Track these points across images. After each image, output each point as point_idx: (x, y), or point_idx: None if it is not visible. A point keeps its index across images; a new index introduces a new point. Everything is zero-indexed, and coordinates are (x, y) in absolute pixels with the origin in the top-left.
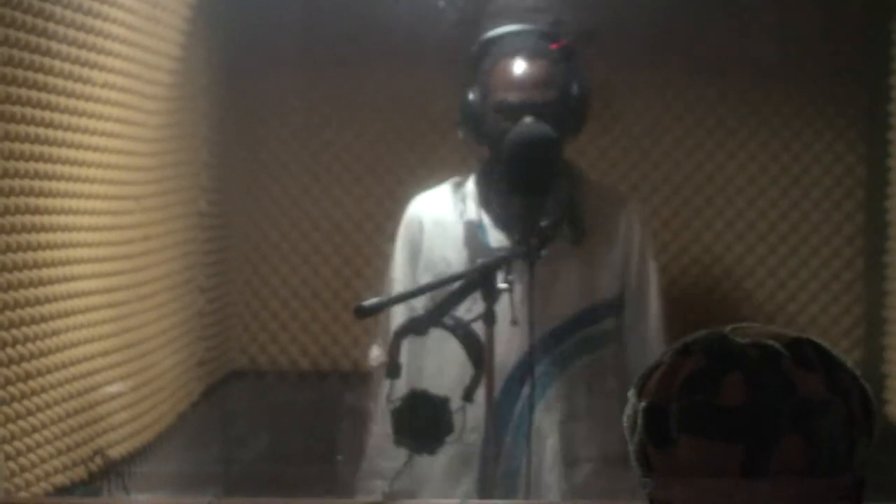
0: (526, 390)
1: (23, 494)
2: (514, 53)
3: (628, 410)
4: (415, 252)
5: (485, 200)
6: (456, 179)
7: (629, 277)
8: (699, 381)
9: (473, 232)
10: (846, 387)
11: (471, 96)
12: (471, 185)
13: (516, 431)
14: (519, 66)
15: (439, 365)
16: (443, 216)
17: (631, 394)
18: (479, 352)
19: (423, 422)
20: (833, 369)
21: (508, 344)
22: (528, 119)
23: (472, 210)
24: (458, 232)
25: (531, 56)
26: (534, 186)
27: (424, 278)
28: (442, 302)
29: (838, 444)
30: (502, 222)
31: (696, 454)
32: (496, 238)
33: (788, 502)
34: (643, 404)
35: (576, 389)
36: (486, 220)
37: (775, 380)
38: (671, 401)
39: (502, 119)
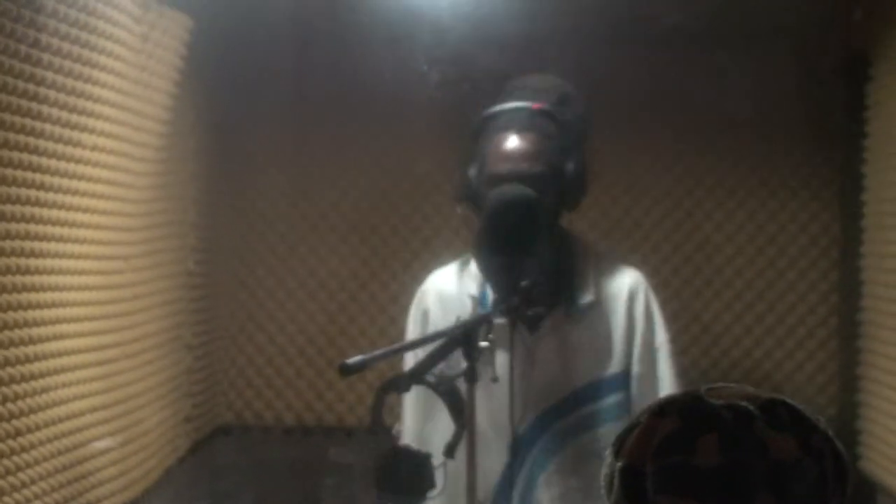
0: (518, 458)
1: None
2: (506, 128)
3: (605, 469)
4: (424, 324)
5: (484, 272)
6: (466, 257)
7: (635, 354)
8: (675, 442)
9: (475, 306)
10: (819, 447)
11: (470, 171)
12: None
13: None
14: (510, 140)
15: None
16: (448, 291)
17: (608, 452)
18: (460, 409)
19: (405, 477)
20: (806, 430)
21: (500, 405)
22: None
23: (474, 285)
24: (462, 305)
25: (521, 129)
26: (512, 245)
27: None
28: (424, 360)
29: (808, 502)
30: (487, 277)
31: None
32: None
33: None
34: (620, 465)
35: (579, 464)
36: (489, 292)
37: (748, 441)
38: (646, 462)
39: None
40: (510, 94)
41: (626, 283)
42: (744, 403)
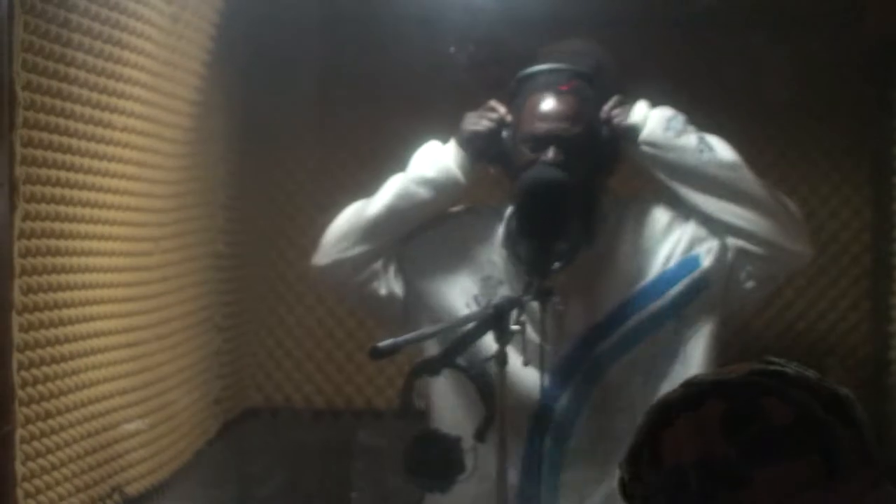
0: (549, 436)
1: None
2: (543, 89)
3: (645, 479)
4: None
5: (516, 255)
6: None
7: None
8: (740, 417)
9: (510, 245)
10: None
11: (503, 132)
12: (508, 208)
13: (539, 479)
14: (546, 100)
15: (457, 404)
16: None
17: (636, 465)
18: (491, 393)
19: (434, 461)
20: (817, 377)
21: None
22: (548, 156)
23: (512, 225)
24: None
25: (559, 91)
26: (545, 230)
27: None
28: (455, 343)
29: (871, 431)
30: (521, 258)
31: (777, 481)
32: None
33: (864, 495)
34: (688, 461)
35: (620, 392)
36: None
37: (801, 391)
38: (719, 447)
39: (528, 151)
40: (546, 57)
41: (657, 219)
42: (761, 367)
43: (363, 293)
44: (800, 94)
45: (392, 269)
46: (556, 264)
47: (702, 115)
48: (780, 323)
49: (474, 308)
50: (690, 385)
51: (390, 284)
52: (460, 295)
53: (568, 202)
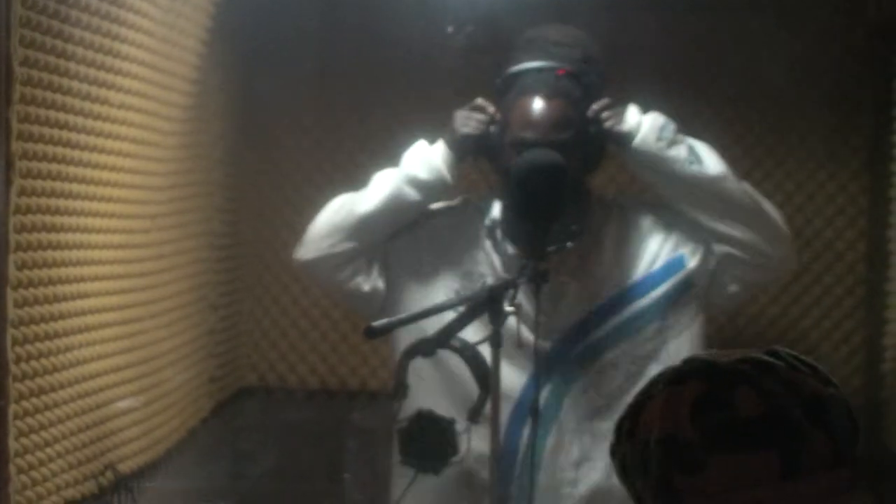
0: (528, 427)
1: None
2: (532, 91)
3: (624, 449)
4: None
5: (511, 237)
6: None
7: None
8: (710, 402)
9: (493, 238)
10: (832, 380)
11: (491, 129)
12: (493, 202)
13: (525, 460)
14: (535, 105)
15: (448, 385)
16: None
17: (619, 432)
18: (485, 374)
19: (428, 442)
20: (814, 368)
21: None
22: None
23: (494, 218)
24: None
25: (548, 95)
26: (541, 212)
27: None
28: (449, 324)
29: (849, 433)
30: (514, 241)
31: (731, 471)
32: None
33: (825, 499)
34: (655, 436)
35: (604, 381)
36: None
37: (780, 385)
38: (684, 427)
39: (516, 154)
40: (530, 47)
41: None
42: (753, 356)
43: (346, 289)
44: (799, 79)
45: (377, 267)
46: (552, 247)
47: (698, 99)
48: (774, 308)
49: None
50: (685, 362)
51: (374, 281)
52: (442, 292)
53: (564, 184)
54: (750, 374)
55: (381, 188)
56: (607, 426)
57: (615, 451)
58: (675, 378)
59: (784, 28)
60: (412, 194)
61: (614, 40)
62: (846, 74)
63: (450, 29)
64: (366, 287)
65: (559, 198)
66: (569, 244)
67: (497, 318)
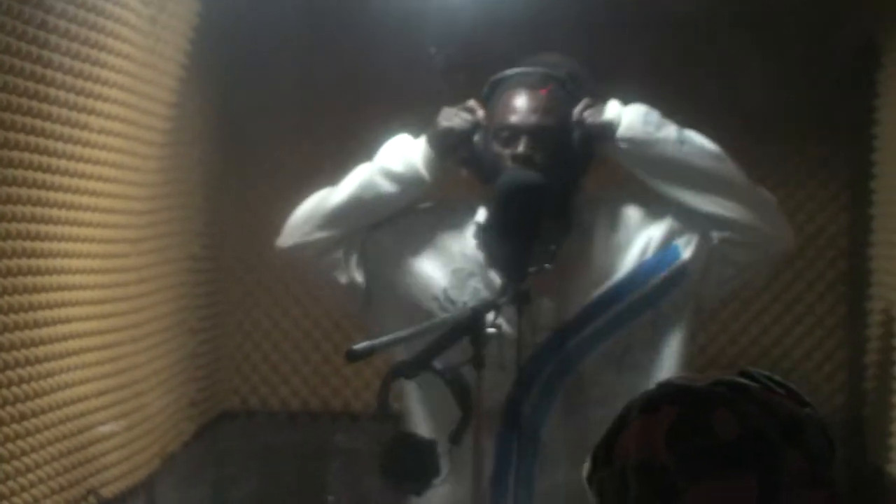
0: (520, 434)
1: None
2: (517, 86)
3: (601, 476)
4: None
5: (493, 257)
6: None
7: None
8: (686, 426)
9: (480, 237)
10: (807, 401)
11: (476, 135)
12: (480, 204)
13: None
14: (520, 95)
15: (431, 407)
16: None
17: (595, 460)
18: (467, 396)
19: (410, 464)
20: (788, 388)
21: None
22: (518, 149)
23: (482, 217)
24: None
25: (532, 86)
26: (521, 233)
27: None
28: (431, 346)
29: (826, 452)
30: (496, 261)
31: (710, 495)
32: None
33: None
34: (631, 463)
35: (590, 387)
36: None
37: (756, 407)
38: (660, 454)
39: (500, 145)
40: (518, 64)
41: (632, 216)
42: (728, 379)
43: (324, 280)
44: (778, 100)
45: (354, 259)
46: (532, 268)
47: (681, 117)
48: (756, 327)
49: (442, 301)
50: (658, 387)
51: (351, 273)
52: (427, 287)
53: (544, 206)
54: (726, 397)
55: (355, 179)
56: (606, 418)
57: (591, 479)
58: (649, 404)
59: (765, 48)
60: (385, 185)
61: (595, 59)
62: (827, 94)
63: (432, 49)
64: (343, 279)
65: (538, 221)
66: (547, 266)
67: (479, 339)
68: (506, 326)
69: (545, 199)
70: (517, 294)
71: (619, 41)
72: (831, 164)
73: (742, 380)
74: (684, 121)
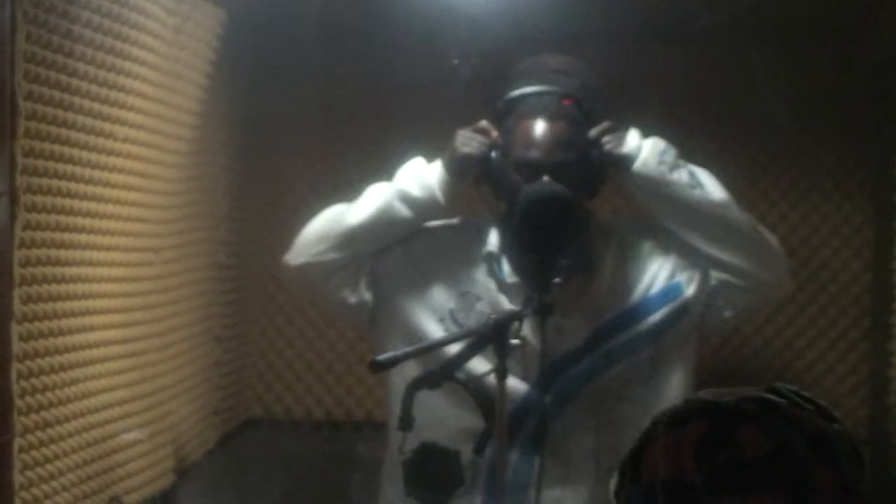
0: (515, 453)
1: None
2: (535, 114)
3: (628, 493)
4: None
5: (516, 268)
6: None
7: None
8: (713, 443)
9: (490, 263)
10: (835, 416)
11: (493, 153)
12: (492, 226)
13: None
14: (539, 127)
15: (453, 417)
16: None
17: (622, 475)
18: (490, 406)
19: (433, 473)
20: (817, 404)
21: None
22: (544, 178)
23: (493, 244)
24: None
25: (552, 117)
26: (547, 245)
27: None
28: (454, 357)
29: (854, 468)
30: (518, 273)
31: None
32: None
33: None
34: (660, 479)
35: (607, 400)
36: (504, 257)
37: (784, 423)
38: (689, 470)
39: (520, 177)
40: (530, 73)
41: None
42: (756, 394)
43: (332, 299)
44: (801, 112)
45: (364, 280)
46: (557, 279)
47: (702, 132)
48: (778, 341)
49: (448, 323)
50: (686, 403)
51: (360, 294)
52: (434, 310)
53: (569, 217)
54: (753, 413)
55: (372, 201)
56: (593, 447)
57: (619, 494)
58: (676, 419)
59: (788, 61)
60: (402, 210)
61: (616, 72)
62: (851, 106)
63: (455, 62)
64: (352, 300)
65: (566, 231)
66: (573, 275)
67: (502, 350)
68: (530, 338)
69: (569, 210)
70: (541, 306)
71: (640, 52)
72: (856, 176)
73: (770, 395)
74: (704, 134)
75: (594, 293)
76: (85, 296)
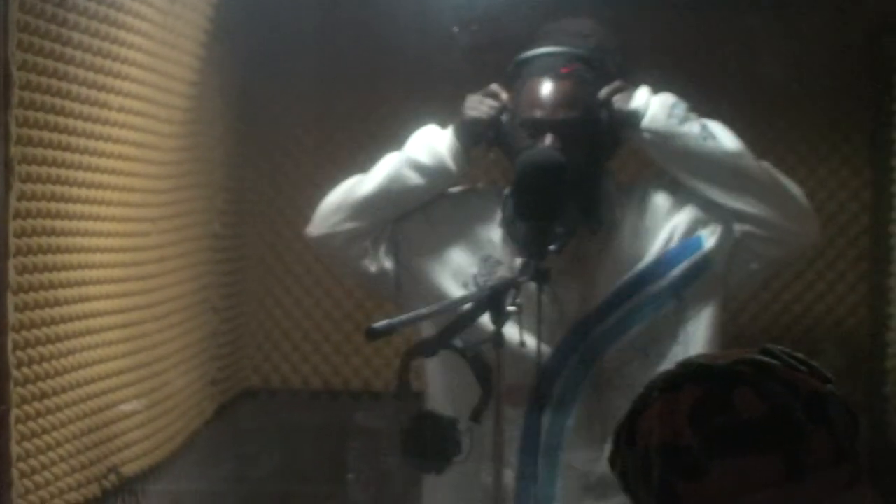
0: (547, 416)
1: None
2: (542, 73)
3: (623, 457)
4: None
5: (513, 235)
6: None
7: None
8: (709, 406)
9: (508, 228)
10: (829, 377)
11: (503, 117)
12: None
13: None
14: (545, 85)
15: (451, 385)
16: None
17: (617, 441)
18: (487, 375)
19: (430, 442)
20: (810, 366)
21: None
22: (546, 141)
23: (510, 208)
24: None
25: (557, 77)
26: (541, 211)
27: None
28: (451, 324)
29: (849, 428)
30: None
31: (734, 475)
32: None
33: (829, 496)
34: (654, 443)
35: (615, 375)
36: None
37: (779, 385)
38: (683, 433)
39: (527, 137)
40: (545, 36)
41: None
42: (749, 356)
43: (354, 268)
44: (799, 76)
45: (383, 248)
46: (552, 246)
47: (700, 97)
48: (777, 305)
49: (472, 288)
50: (680, 367)
51: (381, 262)
52: (456, 274)
53: (564, 184)
54: (748, 375)
55: (383, 170)
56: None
57: (614, 459)
58: (670, 383)
59: (784, 24)
60: (413, 178)
61: (618, 36)
62: (847, 70)
63: (455, 28)
64: (373, 268)
65: (558, 199)
66: (587, 236)
67: (499, 318)
68: (527, 305)
69: (564, 178)
70: (536, 273)
71: (640, 17)
72: (853, 140)
73: (764, 358)
74: (703, 98)
75: (615, 252)
76: (81, 266)
